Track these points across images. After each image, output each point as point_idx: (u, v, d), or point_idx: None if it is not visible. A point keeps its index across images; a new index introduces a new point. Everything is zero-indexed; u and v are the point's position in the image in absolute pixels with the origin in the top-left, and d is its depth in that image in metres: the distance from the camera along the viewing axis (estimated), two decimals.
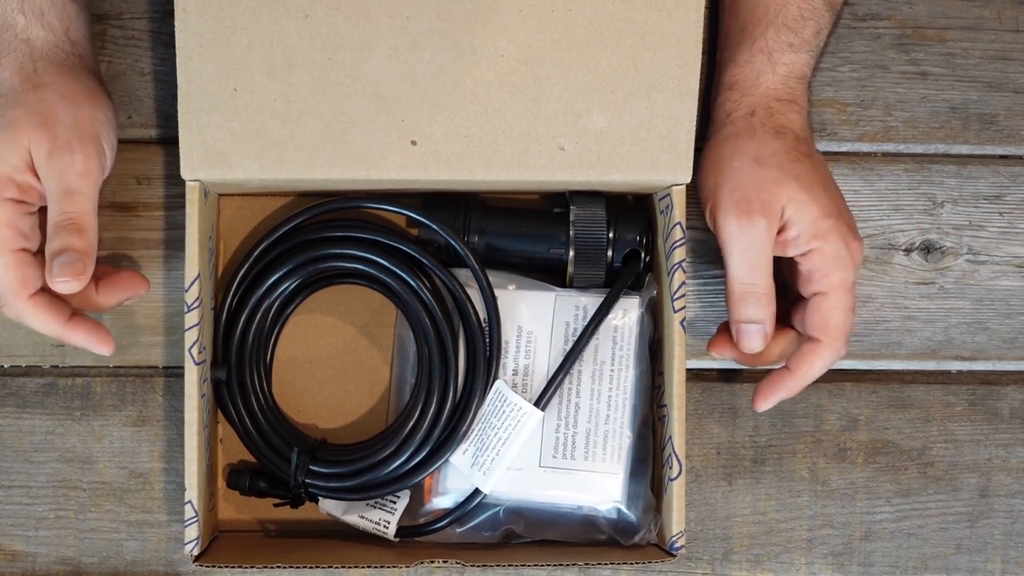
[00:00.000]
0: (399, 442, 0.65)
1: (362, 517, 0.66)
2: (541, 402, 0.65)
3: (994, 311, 0.74)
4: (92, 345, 0.62)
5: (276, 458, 0.67)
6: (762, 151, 0.64)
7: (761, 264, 0.62)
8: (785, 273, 0.68)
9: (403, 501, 0.67)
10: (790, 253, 0.64)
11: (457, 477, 0.66)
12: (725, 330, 0.66)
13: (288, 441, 0.67)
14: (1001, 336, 0.74)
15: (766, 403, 0.66)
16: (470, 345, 0.66)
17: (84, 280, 0.58)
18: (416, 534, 0.67)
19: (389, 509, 0.66)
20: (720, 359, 0.70)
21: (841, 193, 0.66)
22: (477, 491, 0.66)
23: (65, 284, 0.58)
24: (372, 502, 0.67)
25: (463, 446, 0.66)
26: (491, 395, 0.65)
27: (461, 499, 0.66)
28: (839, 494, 0.73)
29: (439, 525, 0.67)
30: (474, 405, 0.65)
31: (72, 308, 0.62)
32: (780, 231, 0.63)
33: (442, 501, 0.67)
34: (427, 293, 0.66)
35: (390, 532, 0.66)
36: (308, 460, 0.65)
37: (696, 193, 0.67)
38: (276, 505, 0.68)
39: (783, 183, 0.62)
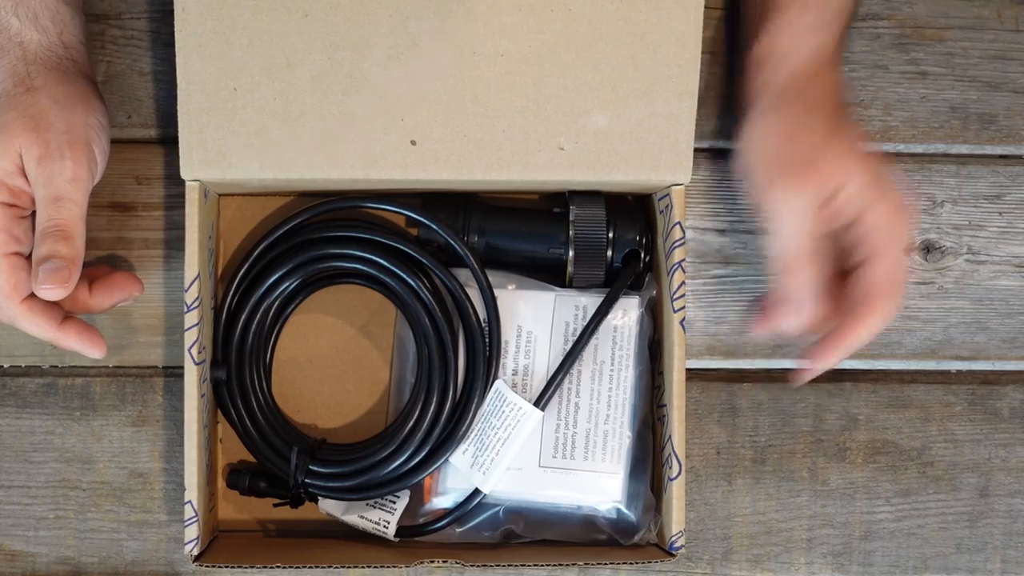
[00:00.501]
0: (399, 442, 0.65)
1: (362, 517, 0.66)
2: (541, 402, 0.65)
3: (994, 311, 0.74)
4: (84, 348, 0.62)
5: (276, 458, 0.67)
6: (802, 123, 0.63)
7: (806, 233, 0.61)
8: (835, 240, 0.66)
9: (403, 501, 0.67)
10: (841, 221, 0.62)
11: (457, 477, 0.66)
12: (766, 304, 0.65)
13: (288, 441, 0.67)
14: (1001, 336, 0.74)
15: (818, 367, 0.65)
16: (470, 345, 0.66)
17: (69, 287, 0.58)
18: (416, 534, 0.67)
19: (389, 509, 0.66)
20: (761, 335, 0.68)
21: (879, 158, 0.65)
22: (477, 491, 0.66)
23: (50, 291, 0.58)
24: (372, 502, 0.67)
25: (463, 446, 0.66)
26: (491, 395, 0.65)
27: (461, 499, 0.66)
28: (839, 494, 0.73)
29: (439, 525, 0.67)
30: (474, 405, 0.65)
31: (64, 312, 0.62)
32: (828, 201, 0.62)
33: (442, 501, 0.67)
34: (427, 293, 0.66)
35: (390, 532, 0.66)
36: (308, 460, 0.65)
37: (738, 167, 0.66)
38: (276, 505, 0.68)
39: (829, 152, 0.62)
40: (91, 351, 0.63)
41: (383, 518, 0.66)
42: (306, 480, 0.66)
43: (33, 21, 0.62)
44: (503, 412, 0.65)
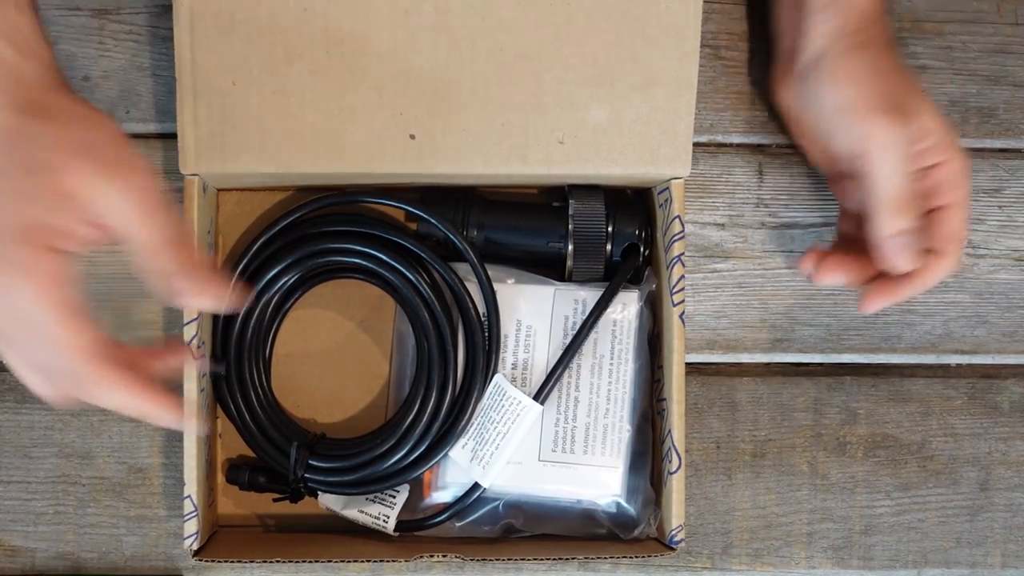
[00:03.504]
0: (398, 436, 0.65)
1: (361, 512, 0.66)
2: (540, 396, 0.65)
3: (993, 304, 0.74)
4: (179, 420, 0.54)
5: (275, 453, 0.67)
6: (887, 63, 0.63)
7: (906, 171, 0.61)
8: (847, 204, 0.67)
9: (402, 496, 0.67)
10: (920, 164, 0.62)
11: (456, 471, 0.66)
12: (839, 248, 0.66)
13: (287, 436, 0.67)
14: (1001, 330, 0.74)
15: (876, 306, 0.64)
16: (469, 339, 0.66)
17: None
18: (415, 528, 0.67)
19: (388, 504, 0.66)
20: (822, 282, 0.66)
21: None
22: (476, 485, 0.66)
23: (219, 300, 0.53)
24: (371, 497, 0.67)
25: (462, 440, 0.66)
26: (490, 389, 0.65)
27: (460, 493, 0.66)
28: (839, 488, 0.73)
29: (438, 519, 0.67)
30: (473, 399, 0.65)
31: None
32: (918, 140, 0.62)
33: (441, 495, 0.67)
34: (426, 288, 0.66)
35: (389, 526, 0.66)
36: (307, 455, 0.65)
37: (810, 112, 0.65)
38: (275, 500, 0.68)
39: (915, 90, 0.63)
40: (182, 425, 0.57)
41: (382, 512, 0.66)
42: (305, 475, 0.66)
43: (25, 49, 0.53)
44: (503, 406, 0.65)
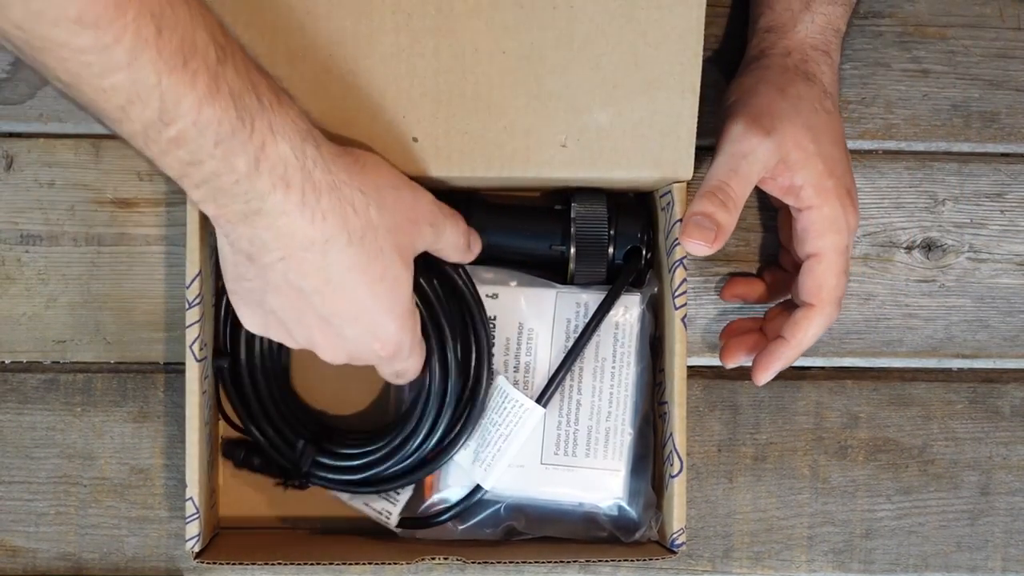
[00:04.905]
0: (402, 438, 0.65)
1: (366, 504, 0.67)
2: (543, 399, 0.65)
3: (995, 309, 0.74)
4: None
5: (282, 444, 0.67)
6: (789, 89, 0.64)
7: (744, 176, 0.62)
8: (782, 237, 0.68)
9: (406, 493, 0.67)
10: (789, 202, 0.63)
11: (458, 473, 0.66)
12: (732, 336, 0.68)
13: (295, 430, 0.67)
14: (1002, 334, 0.74)
15: (765, 375, 0.65)
16: (473, 341, 0.66)
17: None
18: (419, 525, 0.67)
19: (392, 500, 0.66)
20: (734, 364, 0.69)
21: (849, 158, 0.65)
22: (478, 487, 0.66)
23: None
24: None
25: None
26: (493, 391, 0.65)
27: (462, 495, 0.66)
28: (840, 492, 0.73)
29: (441, 518, 0.67)
30: (479, 401, 0.65)
31: None
32: (783, 175, 0.62)
33: (443, 497, 0.67)
34: (428, 289, 0.65)
35: (392, 522, 0.66)
36: (313, 452, 0.65)
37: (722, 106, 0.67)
38: (277, 484, 0.67)
39: (798, 125, 0.62)
40: None
41: (385, 508, 0.66)
42: (311, 471, 0.66)
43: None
44: (505, 409, 0.65)
